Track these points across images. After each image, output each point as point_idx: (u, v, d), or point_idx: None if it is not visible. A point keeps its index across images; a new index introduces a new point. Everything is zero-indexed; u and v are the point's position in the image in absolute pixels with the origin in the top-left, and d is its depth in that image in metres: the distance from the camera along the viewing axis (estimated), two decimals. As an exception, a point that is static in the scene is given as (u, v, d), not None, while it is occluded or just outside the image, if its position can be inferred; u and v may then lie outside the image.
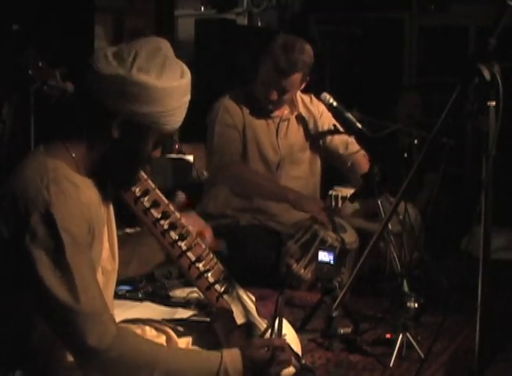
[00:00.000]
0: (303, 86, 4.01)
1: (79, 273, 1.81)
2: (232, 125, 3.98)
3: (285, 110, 4.09)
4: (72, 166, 1.89)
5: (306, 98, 4.17)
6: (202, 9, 7.05)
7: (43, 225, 1.78)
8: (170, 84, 1.87)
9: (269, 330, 2.10)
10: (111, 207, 2.06)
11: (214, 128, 4.00)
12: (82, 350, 1.82)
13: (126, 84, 1.84)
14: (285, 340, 2.09)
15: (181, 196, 2.29)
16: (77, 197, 1.85)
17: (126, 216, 2.12)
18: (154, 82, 1.85)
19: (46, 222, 1.78)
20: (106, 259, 2.00)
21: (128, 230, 2.32)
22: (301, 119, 4.12)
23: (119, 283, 2.17)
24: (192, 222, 2.20)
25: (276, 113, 4.07)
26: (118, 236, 2.09)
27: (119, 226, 2.17)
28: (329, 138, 4.13)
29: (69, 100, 3.89)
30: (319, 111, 4.14)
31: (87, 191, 1.89)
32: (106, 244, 2.01)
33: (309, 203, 3.90)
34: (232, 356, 1.95)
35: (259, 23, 7.03)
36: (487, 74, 2.09)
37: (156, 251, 2.20)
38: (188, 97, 1.94)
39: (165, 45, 1.92)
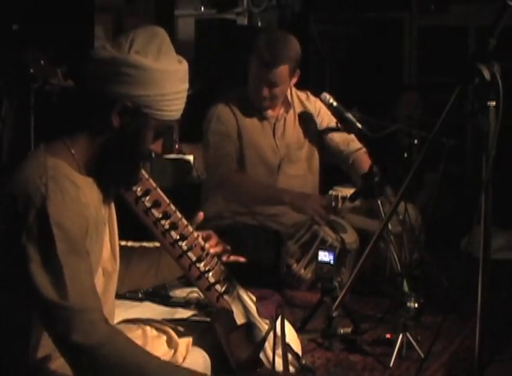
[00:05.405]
0: (294, 81, 3.97)
1: (69, 269, 1.78)
2: (226, 134, 3.95)
3: (280, 110, 4.07)
4: (72, 165, 1.89)
5: (302, 95, 4.15)
6: (202, 9, 7.04)
7: (37, 220, 1.78)
8: (167, 67, 1.88)
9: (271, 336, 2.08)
10: (113, 208, 2.05)
11: (209, 138, 3.98)
12: (67, 347, 1.80)
13: (123, 66, 1.84)
14: (292, 373, 2.05)
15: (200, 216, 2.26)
16: (76, 195, 1.84)
17: (140, 229, 2.11)
18: (151, 64, 1.86)
19: (40, 216, 1.78)
20: (107, 260, 2.00)
21: (146, 244, 2.31)
22: (296, 117, 4.10)
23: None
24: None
25: (271, 113, 4.04)
26: (135, 248, 2.08)
27: (136, 240, 2.15)
28: (329, 135, 4.12)
29: (70, 96, 3.88)
30: (316, 108, 4.11)
31: (87, 191, 1.89)
32: (107, 245, 2.00)
33: (306, 202, 3.86)
34: None
35: (259, 23, 7.02)
36: (487, 74, 2.09)
37: (175, 267, 2.17)
38: (186, 85, 1.94)
39: (162, 32, 1.93)
